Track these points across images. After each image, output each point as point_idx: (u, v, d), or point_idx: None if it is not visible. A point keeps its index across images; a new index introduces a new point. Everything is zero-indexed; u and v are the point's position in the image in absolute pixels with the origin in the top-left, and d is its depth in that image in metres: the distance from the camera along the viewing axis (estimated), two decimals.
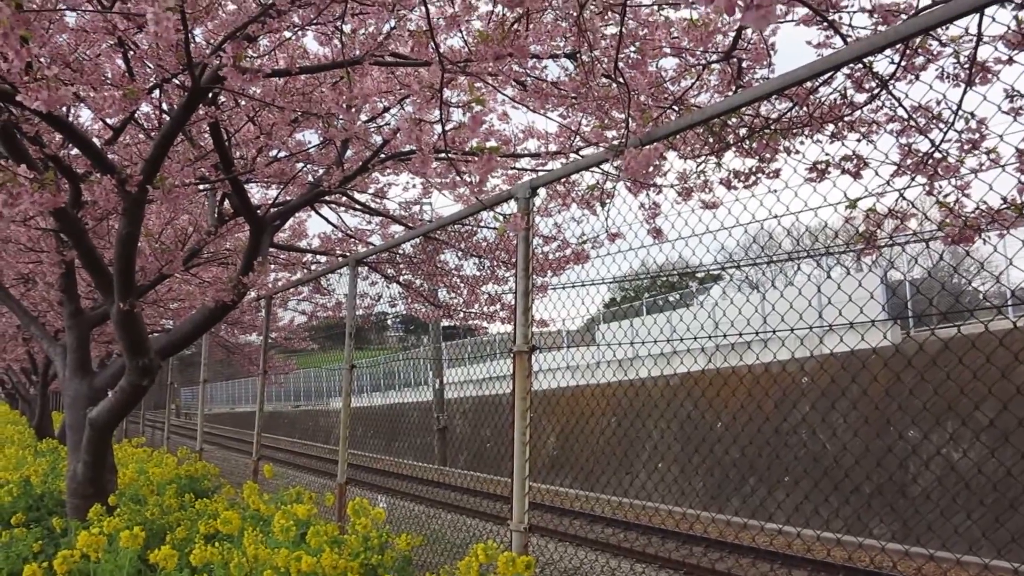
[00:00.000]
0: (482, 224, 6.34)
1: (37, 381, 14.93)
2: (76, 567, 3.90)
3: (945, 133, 3.21)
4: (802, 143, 3.81)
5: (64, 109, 4.22)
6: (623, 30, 3.10)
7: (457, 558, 3.25)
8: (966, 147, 3.19)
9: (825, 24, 3.17)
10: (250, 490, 5.14)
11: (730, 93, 3.69)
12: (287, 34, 3.76)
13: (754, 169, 4.06)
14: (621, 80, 3.17)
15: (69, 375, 5.98)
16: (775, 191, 3.79)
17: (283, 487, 5.27)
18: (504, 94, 3.66)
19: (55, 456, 9.03)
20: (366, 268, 6.95)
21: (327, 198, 6.46)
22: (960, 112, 3.11)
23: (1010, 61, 3.03)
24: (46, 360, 13.10)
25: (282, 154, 5.52)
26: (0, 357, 14.72)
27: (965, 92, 3.06)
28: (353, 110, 4.10)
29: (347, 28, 3.67)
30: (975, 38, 2.92)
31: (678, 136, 3.92)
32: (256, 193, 7.01)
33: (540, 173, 5.01)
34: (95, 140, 4.42)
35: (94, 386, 5.89)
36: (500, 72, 3.29)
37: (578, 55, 3.40)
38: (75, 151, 4.67)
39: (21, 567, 3.91)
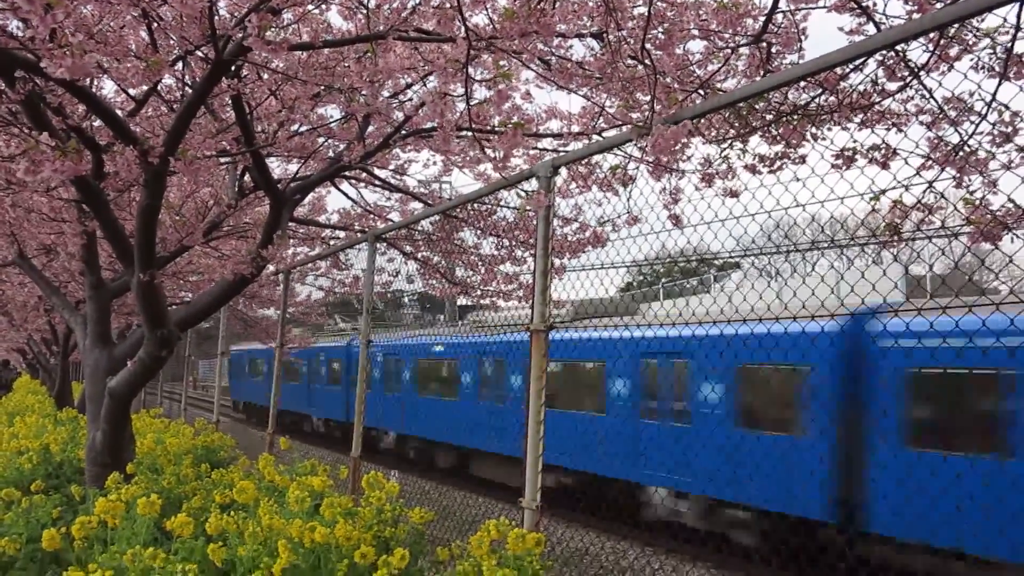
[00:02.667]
0: (502, 204, 6.32)
1: (57, 351, 15.09)
2: (93, 533, 3.95)
3: (977, 125, 3.15)
4: (829, 130, 3.76)
5: (88, 81, 4.22)
6: (651, 10, 3.05)
7: (469, 534, 3.26)
8: (998, 140, 3.13)
9: (858, 10, 3.11)
10: (265, 461, 5.18)
11: (758, 78, 3.64)
12: (311, 7, 3.74)
13: (779, 154, 4.01)
14: (648, 61, 3.13)
15: (90, 345, 6.04)
16: (800, 179, 3.75)
17: (298, 460, 5.31)
18: (532, 68, 3.63)
19: (74, 425, 9.13)
20: (384, 244, 6.96)
21: (347, 173, 6.45)
22: (993, 104, 3.04)
23: None
24: (67, 330, 13.23)
25: (304, 128, 5.51)
26: (22, 327, 14.87)
27: (1000, 84, 2.99)
28: (376, 85, 4.09)
29: (371, 3, 3.65)
30: (1013, 29, 2.85)
31: (703, 120, 3.87)
32: (276, 167, 7.01)
33: (562, 153, 4.98)
34: (118, 112, 4.43)
35: (114, 356, 5.95)
36: (525, 50, 3.26)
37: (605, 35, 3.36)
38: (98, 123, 4.68)
39: (40, 533, 3.97)
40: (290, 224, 6.45)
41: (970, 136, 3.18)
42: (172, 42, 3.86)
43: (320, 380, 23.55)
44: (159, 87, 4.82)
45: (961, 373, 7.88)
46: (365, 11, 3.71)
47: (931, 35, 2.97)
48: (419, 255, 7.30)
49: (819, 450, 8.88)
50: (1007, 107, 3.06)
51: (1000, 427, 7.67)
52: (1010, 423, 7.56)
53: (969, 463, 7.61)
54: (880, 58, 3.32)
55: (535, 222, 3.97)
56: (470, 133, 4.26)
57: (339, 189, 7.05)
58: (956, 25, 2.89)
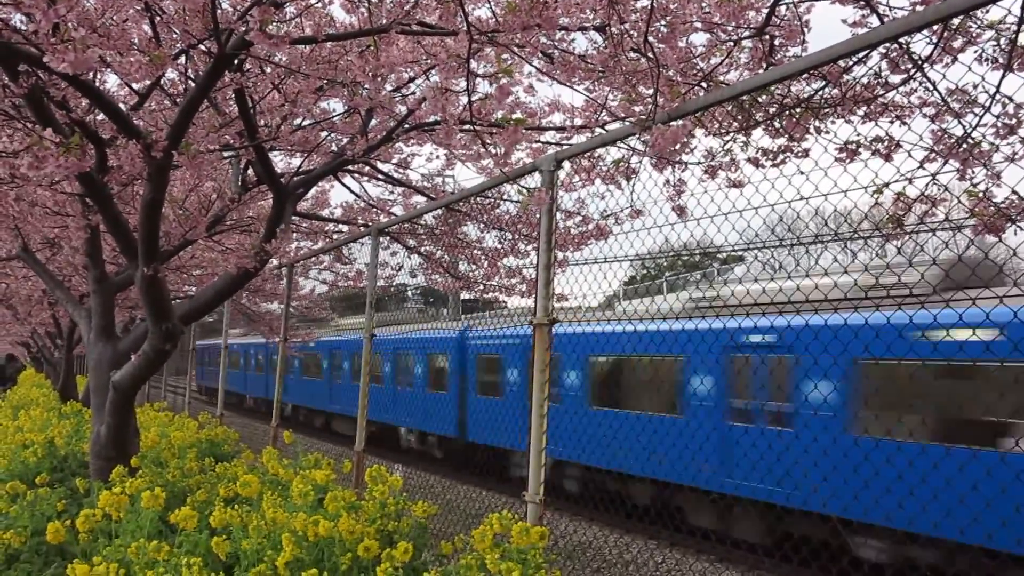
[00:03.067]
0: (505, 197, 6.31)
1: (62, 345, 15.12)
2: (98, 526, 3.97)
3: (980, 118, 3.14)
4: (833, 123, 3.75)
5: (91, 75, 4.22)
6: (654, 3, 3.04)
7: (472, 528, 3.27)
8: (1002, 133, 3.12)
9: (862, 2, 3.10)
10: (269, 455, 5.20)
11: (761, 71, 3.63)
12: (313, 1, 3.73)
13: (783, 148, 4.01)
14: (651, 55, 3.12)
15: (93, 339, 6.05)
16: (803, 172, 3.74)
17: (302, 453, 5.32)
18: (532, 65, 3.62)
19: (79, 418, 9.17)
20: (387, 238, 6.96)
21: (350, 167, 6.44)
22: (997, 96, 3.03)
23: None
24: (71, 324, 13.25)
25: (306, 122, 5.50)
26: (26, 321, 14.90)
27: (1004, 76, 2.98)
28: (379, 79, 4.08)
29: None
30: (1017, 21, 2.84)
31: (706, 113, 3.86)
32: (280, 161, 7.02)
33: (564, 147, 4.97)
34: (121, 106, 4.43)
35: (118, 350, 5.95)
36: (527, 43, 3.25)
37: (607, 28, 3.35)
38: (101, 117, 4.68)
39: (45, 525, 3.99)
40: (293, 218, 6.45)
41: (973, 128, 3.17)
42: (175, 36, 3.85)
43: (252, 369, 32.45)
44: (162, 81, 4.82)
45: (491, 356, 15.60)
46: (368, 5, 3.70)
47: (935, 27, 2.96)
48: (422, 249, 7.31)
49: (452, 399, 16.75)
50: (1011, 99, 3.05)
51: (502, 383, 15.10)
52: (505, 383, 15.00)
53: (493, 401, 15.23)
54: (884, 50, 3.31)
55: (538, 215, 3.97)
56: (472, 128, 4.26)
57: (342, 183, 7.04)
58: (960, 17, 2.88)
